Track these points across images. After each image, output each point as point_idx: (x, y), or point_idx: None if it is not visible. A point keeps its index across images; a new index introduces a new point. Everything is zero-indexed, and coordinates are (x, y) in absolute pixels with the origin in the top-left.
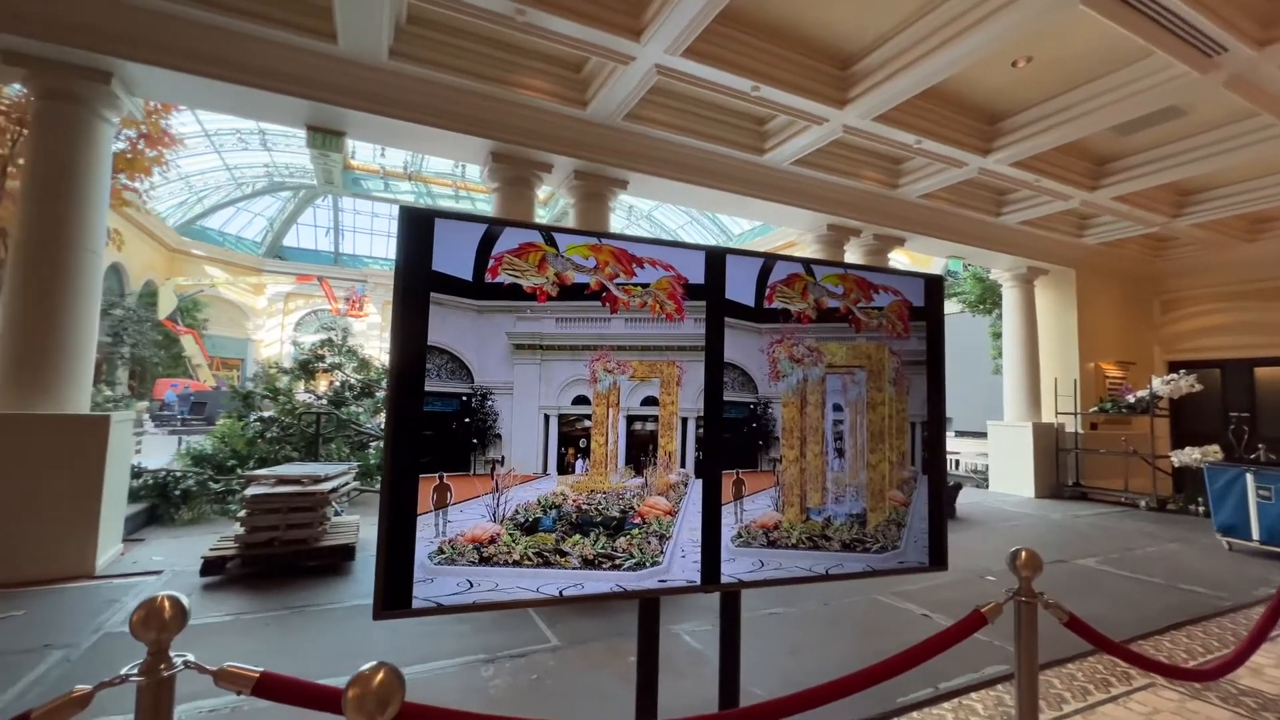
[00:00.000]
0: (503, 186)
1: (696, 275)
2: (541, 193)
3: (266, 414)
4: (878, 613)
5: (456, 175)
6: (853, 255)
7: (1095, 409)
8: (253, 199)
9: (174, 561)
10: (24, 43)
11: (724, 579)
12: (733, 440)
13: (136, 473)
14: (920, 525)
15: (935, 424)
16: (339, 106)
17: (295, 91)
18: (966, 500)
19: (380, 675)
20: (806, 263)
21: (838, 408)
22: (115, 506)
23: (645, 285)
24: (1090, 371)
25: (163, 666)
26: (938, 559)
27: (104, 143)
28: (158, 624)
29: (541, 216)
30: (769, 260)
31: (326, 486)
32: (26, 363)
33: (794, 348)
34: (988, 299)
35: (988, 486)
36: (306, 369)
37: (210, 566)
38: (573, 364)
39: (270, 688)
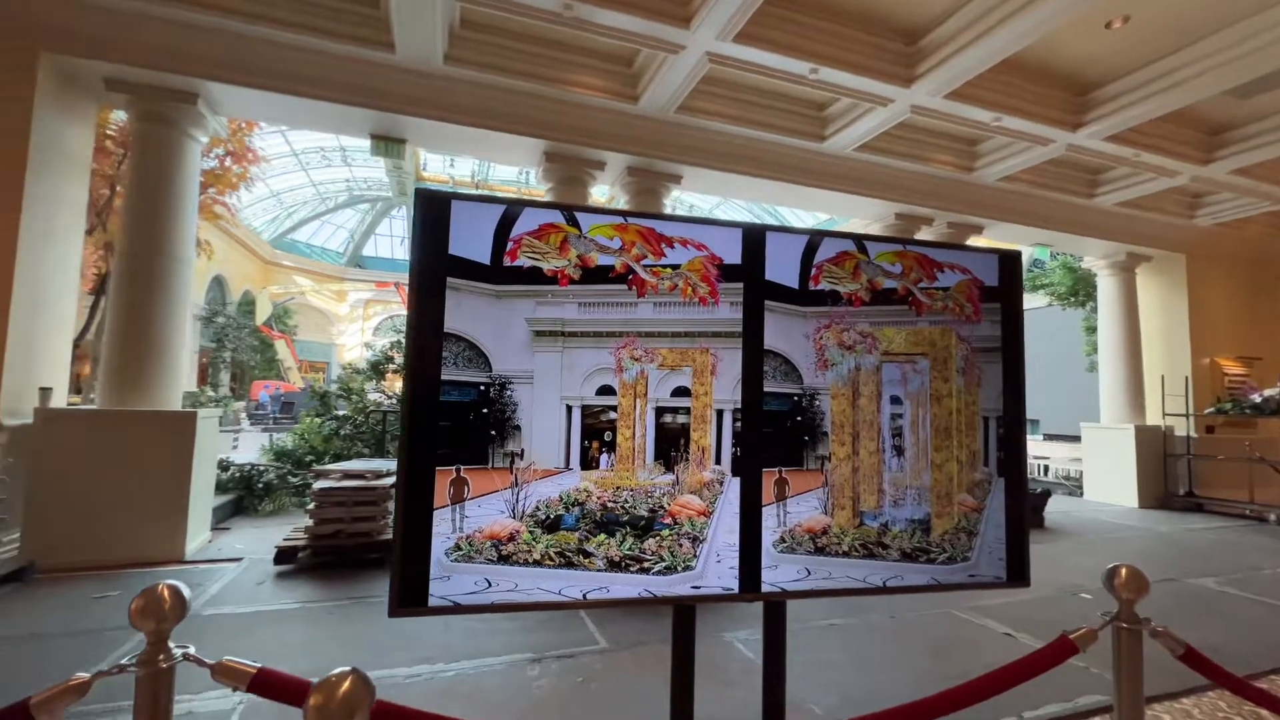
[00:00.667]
0: (556, 186)
1: (733, 255)
2: (601, 194)
3: (341, 413)
4: (952, 629)
5: (521, 183)
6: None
7: (1212, 410)
8: (335, 212)
9: (254, 550)
10: (122, 70)
11: (765, 587)
12: (775, 435)
13: (224, 466)
14: (996, 535)
15: (1013, 419)
16: (398, 114)
17: (358, 102)
18: (1056, 509)
19: (346, 684)
20: (859, 239)
21: (896, 400)
22: (203, 496)
23: (675, 266)
24: (1205, 368)
25: (161, 658)
26: (1017, 574)
27: (192, 159)
28: (156, 614)
29: None
30: (815, 237)
31: (388, 481)
32: (126, 363)
33: (844, 333)
34: (1080, 290)
35: (1082, 494)
36: (378, 370)
37: (283, 556)
38: (597, 352)
39: (265, 685)
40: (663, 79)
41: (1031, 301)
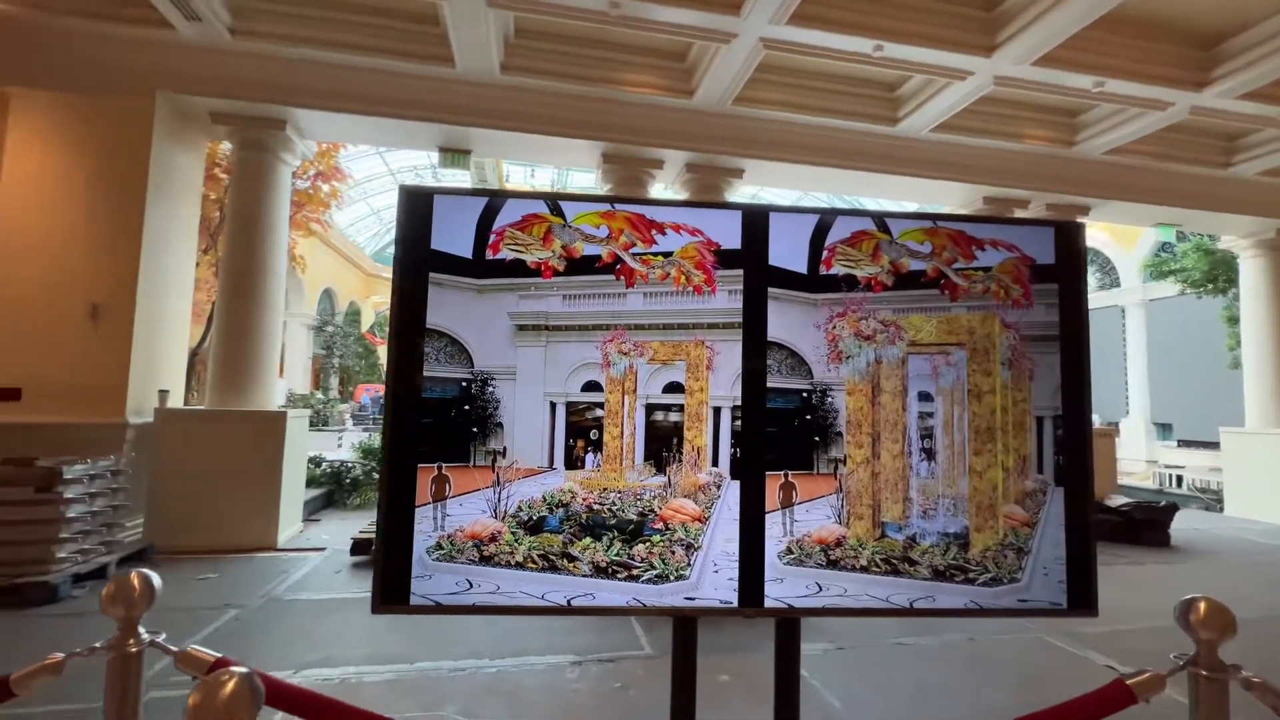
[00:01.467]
0: (615, 188)
1: (732, 240)
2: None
3: None
4: (1041, 657)
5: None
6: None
7: None
8: None
9: (336, 541)
10: (223, 103)
11: (768, 602)
12: (780, 435)
13: (316, 462)
14: (1054, 553)
15: (1074, 419)
16: (462, 126)
17: (425, 117)
18: (1188, 525)
19: (230, 686)
20: (879, 216)
21: (926, 397)
22: (294, 489)
23: (668, 254)
24: None
25: (131, 642)
26: (1081, 601)
27: (283, 181)
28: (126, 601)
29: None
30: (827, 216)
31: None
32: (228, 367)
33: (862, 322)
34: (1219, 275)
35: (1221, 509)
36: None
37: (358, 547)
38: (582, 346)
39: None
40: (717, 71)
41: (1159, 290)
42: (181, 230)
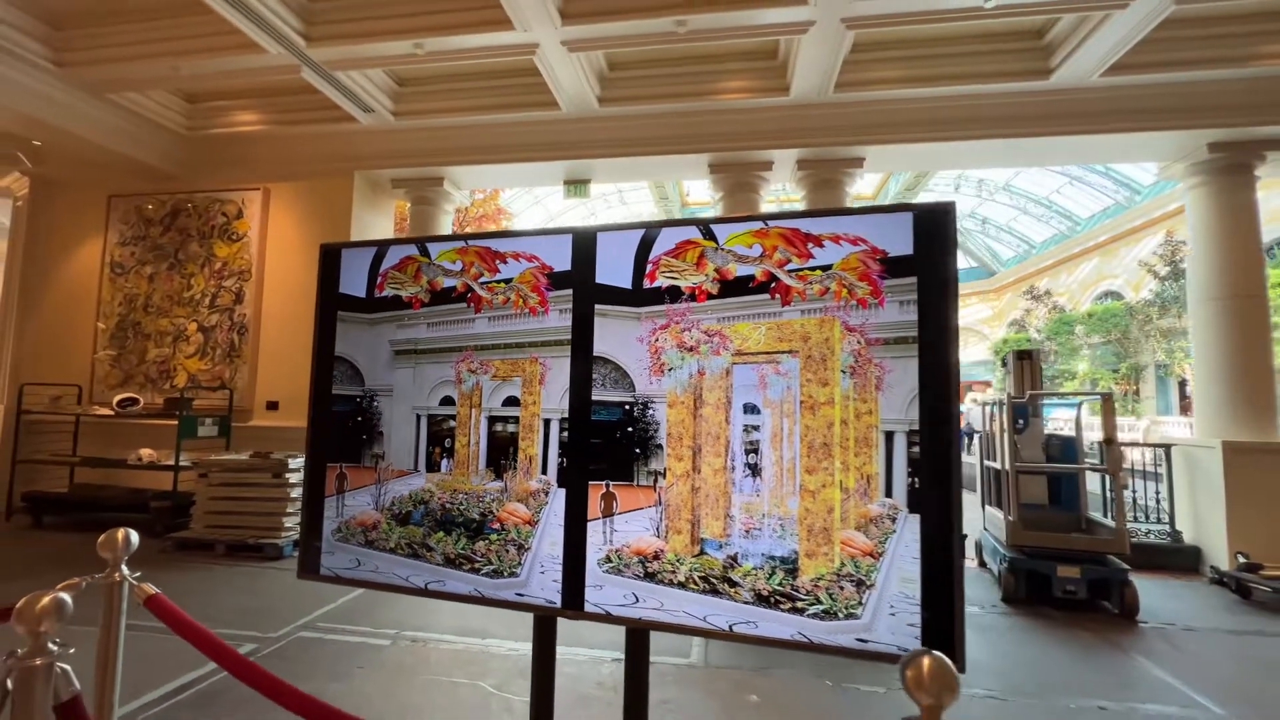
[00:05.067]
0: (727, 195)
1: (564, 262)
2: (781, 194)
3: None
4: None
5: (779, 191)
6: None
7: None
8: None
9: None
10: (398, 171)
11: (588, 607)
12: (603, 446)
13: None
14: (902, 591)
15: (935, 434)
16: (578, 159)
17: (547, 156)
18: None
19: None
20: (705, 223)
21: (753, 409)
22: None
23: (509, 280)
24: None
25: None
26: (941, 651)
27: (444, 225)
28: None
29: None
30: (651, 230)
31: None
32: None
33: (685, 333)
34: None
35: None
36: None
37: None
38: (441, 366)
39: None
40: (804, 63)
41: None
42: None
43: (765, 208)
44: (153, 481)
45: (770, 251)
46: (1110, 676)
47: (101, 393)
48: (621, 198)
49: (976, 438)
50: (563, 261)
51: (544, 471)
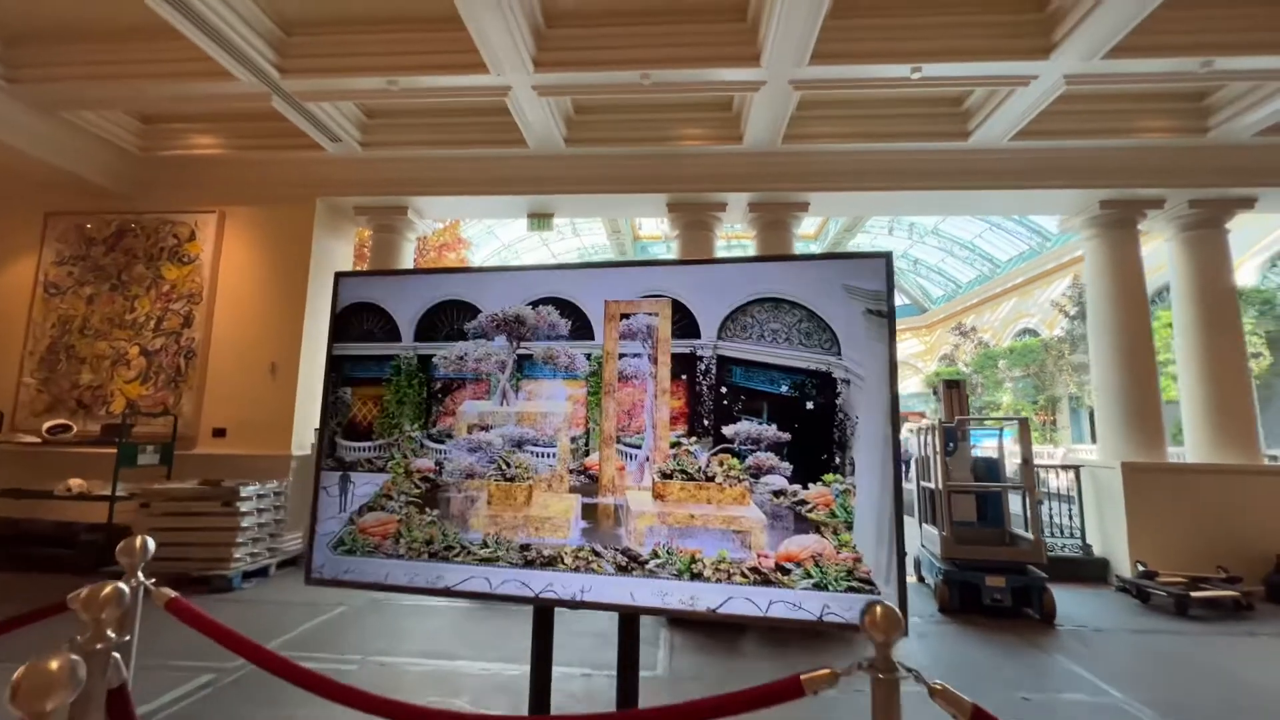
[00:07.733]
0: (683, 232)
1: None
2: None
3: None
4: None
5: (727, 228)
6: (1165, 235)
7: None
8: None
9: None
10: (362, 199)
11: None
12: None
13: None
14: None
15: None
16: (542, 195)
17: (512, 191)
18: None
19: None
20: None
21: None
22: None
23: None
24: None
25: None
26: None
27: (406, 255)
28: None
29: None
30: None
31: None
32: None
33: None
34: None
35: None
36: None
37: None
38: None
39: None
40: (756, 117)
41: None
42: None
43: (718, 245)
44: (82, 514)
45: None
46: (1033, 671)
47: (26, 419)
48: (574, 229)
49: (913, 462)
50: None
51: None
